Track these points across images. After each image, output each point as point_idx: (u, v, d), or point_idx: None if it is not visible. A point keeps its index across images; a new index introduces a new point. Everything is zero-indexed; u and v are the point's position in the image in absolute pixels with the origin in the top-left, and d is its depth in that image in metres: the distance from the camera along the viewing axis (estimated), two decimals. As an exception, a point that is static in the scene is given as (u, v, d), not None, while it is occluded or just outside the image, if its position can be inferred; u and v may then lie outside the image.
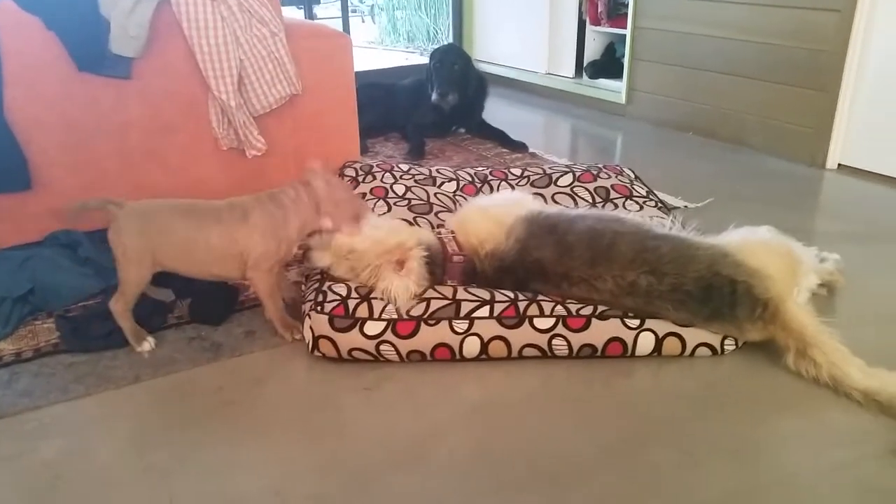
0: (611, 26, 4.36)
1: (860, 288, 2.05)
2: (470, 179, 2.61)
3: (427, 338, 1.68)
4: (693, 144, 3.62)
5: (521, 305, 1.71)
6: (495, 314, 1.69)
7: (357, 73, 2.75)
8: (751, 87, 3.42)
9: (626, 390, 1.64)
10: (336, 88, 2.62)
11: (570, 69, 4.59)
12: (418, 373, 1.69)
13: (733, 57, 3.47)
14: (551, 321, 1.68)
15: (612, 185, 2.50)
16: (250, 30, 2.34)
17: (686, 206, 2.69)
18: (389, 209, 2.27)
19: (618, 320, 1.70)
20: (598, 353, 1.71)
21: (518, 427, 1.52)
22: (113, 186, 2.24)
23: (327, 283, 1.79)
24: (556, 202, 2.43)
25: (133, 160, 2.32)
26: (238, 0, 2.29)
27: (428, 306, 1.70)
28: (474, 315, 1.69)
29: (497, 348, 1.69)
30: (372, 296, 1.73)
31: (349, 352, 1.70)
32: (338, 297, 1.73)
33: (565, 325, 1.68)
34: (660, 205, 2.46)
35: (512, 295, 1.75)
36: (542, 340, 1.69)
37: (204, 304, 1.94)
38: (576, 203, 2.44)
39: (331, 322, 1.69)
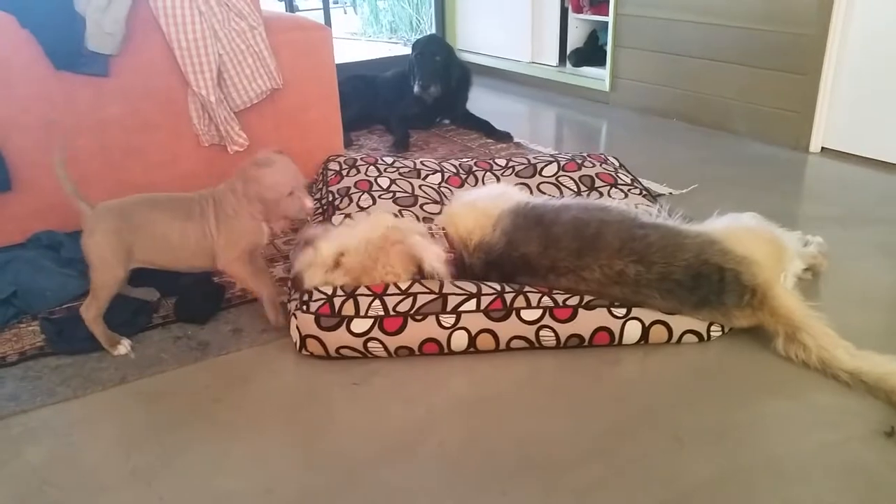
0: (593, 14, 4.35)
1: (844, 270, 2.06)
2: (455, 171, 2.61)
3: (414, 333, 1.68)
4: (677, 131, 3.62)
5: (508, 298, 1.71)
6: (482, 307, 1.69)
7: (339, 66, 2.73)
8: (733, 72, 3.43)
9: (613, 379, 1.64)
10: (318, 81, 2.60)
11: (553, 58, 4.58)
12: (406, 367, 1.69)
13: (715, 42, 3.48)
14: (538, 312, 1.69)
15: (596, 174, 2.50)
16: (229, 24, 2.31)
17: (671, 193, 2.70)
18: (374, 202, 2.26)
19: (604, 310, 1.70)
20: (586, 343, 1.71)
21: (507, 418, 1.52)
22: (94, 185, 2.21)
23: (313, 280, 1.78)
24: (541, 192, 2.43)
25: (113, 159, 2.30)
26: (216, -6, 2.26)
27: (415, 301, 1.70)
28: (461, 309, 1.69)
29: (485, 341, 1.69)
30: (357, 293, 1.72)
31: (337, 350, 1.69)
32: (323, 296, 1.72)
33: (552, 316, 1.69)
34: (644, 192, 2.47)
35: (499, 287, 1.75)
36: (529, 332, 1.69)
37: (190, 303, 1.93)
38: (561, 193, 2.44)
39: (317, 321, 1.68)
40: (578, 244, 1.73)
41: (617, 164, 2.62)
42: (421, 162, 2.63)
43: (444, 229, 1.89)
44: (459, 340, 1.69)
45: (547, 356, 1.72)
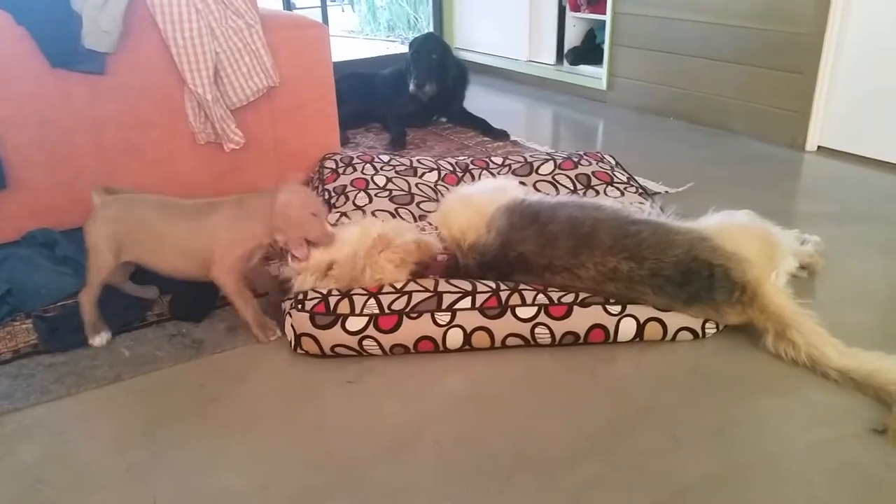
0: (590, 12, 4.35)
1: (840, 269, 2.07)
2: (451, 169, 2.60)
3: (410, 331, 1.68)
4: (674, 129, 3.62)
5: (503, 295, 1.71)
6: (477, 305, 1.69)
7: (336, 64, 2.73)
8: (730, 70, 3.43)
9: (609, 376, 1.64)
10: (314, 79, 2.60)
11: (550, 56, 4.58)
12: (402, 365, 1.69)
13: (713, 41, 3.48)
14: (533, 310, 1.69)
15: (593, 172, 2.50)
16: (225, 22, 2.31)
17: (667, 192, 2.70)
18: (371, 200, 2.26)
19: (599, 307, 1.70)
20: (581, 341, 1.71)
21: (503, 416, 1.52)
22: (90, 183, 2.19)
23: (309, 278, 1.78)
24: (537, 190, 2.43)
25: (110, 156, 2.29)
26: (212, -8, 2.26)
27: (410, 300, 1.70)
28: (456, 307, 1.69)
29: (480, 339, 1.69)
30: (352, 291, 1.72)
31: (332, 348, 1.69)
32: (318, 295, 1.72)
33: (547, 314, 1.69)
34: (641, 191, 2.47)
35: (494, 285, 1.75)
36: (524, 329, 1.69)
37: (185, 301, 1.93)
38: (557, 191, 2.44)
39: (312, 320, 1.68)
40: (574, 242, 1.73)
41: (613, 162, 2.62)
42: (417, 160, 2.63)
43: (436, 228, 1.89)
44: (455, 338, 1.69)
45: (542, 354, 1.71)
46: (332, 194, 2.34)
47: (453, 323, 1.68)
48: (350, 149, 3.29)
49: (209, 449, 1.44)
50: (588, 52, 4.46)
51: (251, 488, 1.33)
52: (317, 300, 1.70)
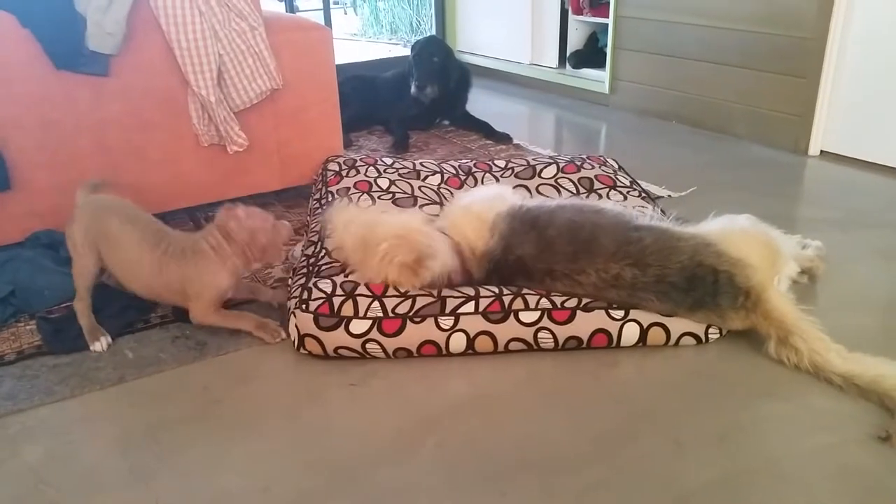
0: (593, 16, 4.35)
1: (843, 274, 2.07)
2: (454, 172, 2.61)
3: (413, 335, 1.68)
4: (676, 133, 3.63)
5: (507, 300, 1.71)
6: (481, 309, 1.69)
7: (339, 66, 2.73)
8: (733, 74, 3.43)
9: (612, 381, 1.65)
10: (317, 82, 2.60)
11: (553, 59, 4.59)
12: (405, 368, 1.69)
13: (715, 45, 3.48)
14: (536, 314, 1.69)
15: (595, 176, 2.51)
16: (229, 24, 2.31)
17: (670, 196, 2.70)
18: (374, 203, 2.26)
19: (602, 312, 1.70)
20: (584, 345, 1.71)
21: (506, 419, 1.52)
22: (93, 185, 2.22)
23: (313, 280, 1.79)
24: (540, 193, 2.43)
25: (113, 159, 2.30)
26: (216, -5, 2.26)
27: (413, 303, 1.70)
28: (460, 311, 1.69)
29: (483, 343, 1.69)
30: (357, 293, 1.72)
31: (335, 350, 1.70)
32: (322, 295, 1.72)
33: (550, 318, 1.69)
34: (643, 195, 2.47)
35: (497, 290, 1.75)
36: (527, 334, 1.69)
37: (188, 303, 1.93)
38: (560, 194, 2.44)
39: (316, 321, 1.68)
40: (573, 247, 1.73)
41: (616, 166, 2.62)
42: (420, 163, 2.63)
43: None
44: (458, 342, 1.69)
45: (545, 358, 1.72)
46: (336, 197, 2.34)
47: (457, 327, 1.68)
48: (353, 151, 3.29)
49: (212, 450, 1.45)
50: (590, 55, 4.46)
51: (253, 489, 1.34)
52: (321, 301, 1.71)
